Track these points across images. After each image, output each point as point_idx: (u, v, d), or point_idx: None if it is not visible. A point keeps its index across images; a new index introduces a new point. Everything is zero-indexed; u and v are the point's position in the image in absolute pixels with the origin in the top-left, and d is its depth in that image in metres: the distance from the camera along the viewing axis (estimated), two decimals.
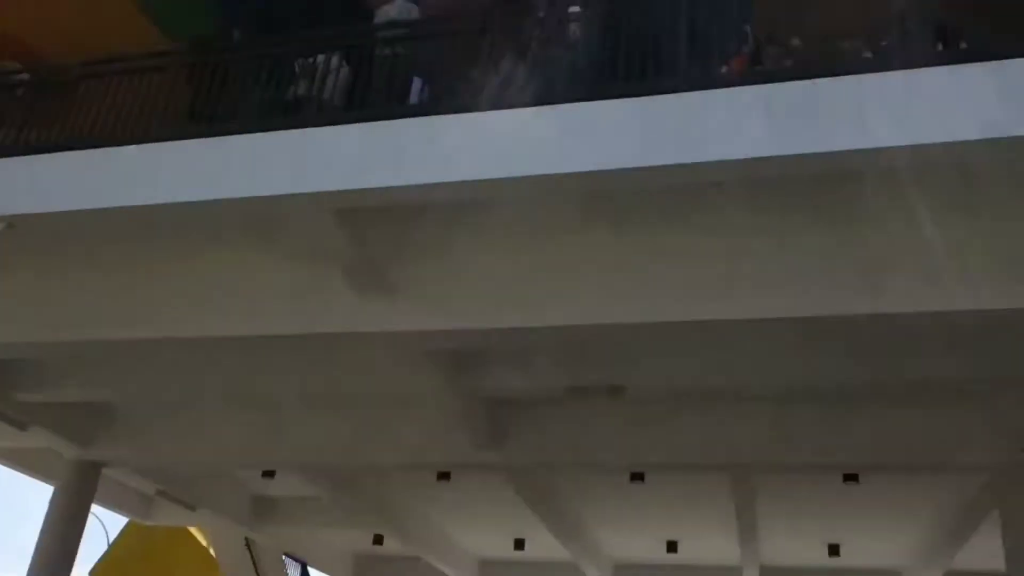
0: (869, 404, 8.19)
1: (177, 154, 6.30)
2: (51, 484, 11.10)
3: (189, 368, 8.51)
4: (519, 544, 14.81)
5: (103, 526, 21.32)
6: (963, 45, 5.74)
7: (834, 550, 13.57)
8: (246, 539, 14.43)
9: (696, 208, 5.96)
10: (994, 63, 4.95)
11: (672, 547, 14.23)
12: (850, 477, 10.10)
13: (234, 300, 6.93)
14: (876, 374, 7.27)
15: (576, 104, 5.59)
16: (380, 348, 7.37)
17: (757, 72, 6.22)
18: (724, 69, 6.62)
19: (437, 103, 6.37)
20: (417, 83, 6.93)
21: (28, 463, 11.82)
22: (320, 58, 6.96)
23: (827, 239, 5.85)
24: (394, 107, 6.33)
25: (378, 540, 15.08)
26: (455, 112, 5.86)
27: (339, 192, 5.80)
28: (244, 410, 9.73)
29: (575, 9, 6.68)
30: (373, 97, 6.49)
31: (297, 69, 7.07)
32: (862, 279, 5.74)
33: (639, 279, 6.18)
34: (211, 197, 6.08)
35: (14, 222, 6.44)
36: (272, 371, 8.33)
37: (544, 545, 13.69)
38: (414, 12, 7.46)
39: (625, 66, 5.78)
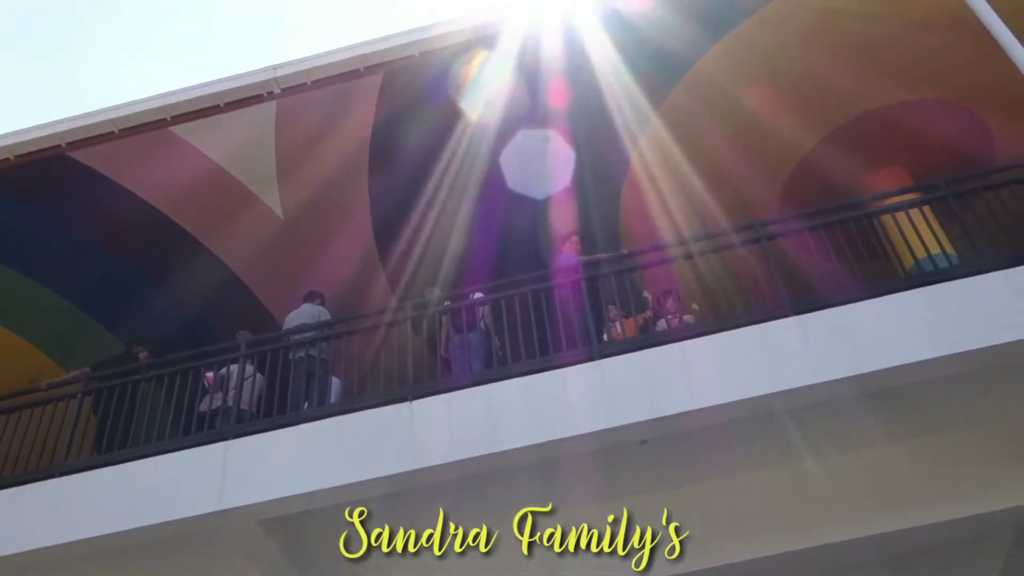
0: None
1: (85, 487, 5.99)
2: None
3: None
4: None
5: None
6: None
7: None
8: None
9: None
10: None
11: None
12: None
13: None
14: None
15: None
16: None
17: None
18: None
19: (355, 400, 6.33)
20: (335, 382, 6.94)
21: None
22: (233, 368, 6.93)
23: None
24: (314, 410, 6.30)
25: None
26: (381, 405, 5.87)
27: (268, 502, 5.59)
28: None
29: (479, 296, 7.01)
30: (293, 400, 6.45)
31: (207, 384, 6.99)
32: None
33: None
34: (121, 528, 5.72)
35: None
36: None
37: None
38: (324, 315, 7.60)
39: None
